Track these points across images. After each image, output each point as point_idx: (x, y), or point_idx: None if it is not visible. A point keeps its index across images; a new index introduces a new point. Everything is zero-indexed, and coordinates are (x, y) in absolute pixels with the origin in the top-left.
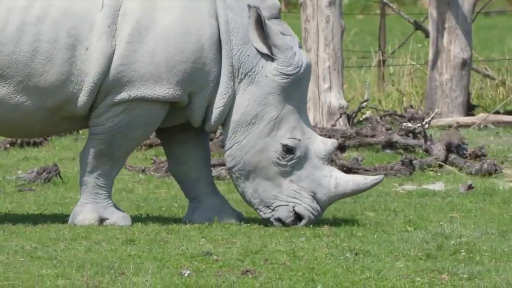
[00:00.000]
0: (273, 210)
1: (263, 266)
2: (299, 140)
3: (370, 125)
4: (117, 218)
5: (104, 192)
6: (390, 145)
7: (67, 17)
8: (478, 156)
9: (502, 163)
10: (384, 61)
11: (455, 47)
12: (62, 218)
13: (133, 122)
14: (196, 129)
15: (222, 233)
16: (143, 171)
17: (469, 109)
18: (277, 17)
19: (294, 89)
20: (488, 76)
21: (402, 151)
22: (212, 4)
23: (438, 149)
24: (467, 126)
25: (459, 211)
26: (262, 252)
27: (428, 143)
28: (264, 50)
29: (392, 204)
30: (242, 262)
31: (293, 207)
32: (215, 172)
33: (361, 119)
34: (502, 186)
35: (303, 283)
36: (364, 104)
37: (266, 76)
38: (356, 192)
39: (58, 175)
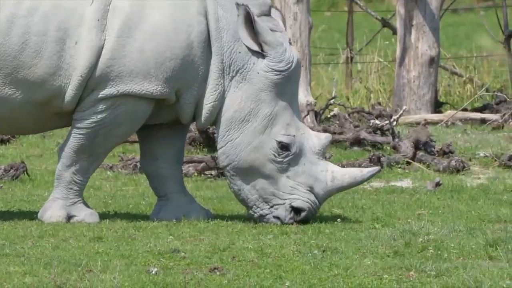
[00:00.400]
0: (271, 207)
1: (230, 263)
2: (294, 136)
3: (337, 122)
4: (84, 215)
5: (77, 188)
6: (358, 142)
7: (57, 10)
8: (445, 153)
9: (470, 160)
10: (351, 58)
11: (422, 44)
12: (30, 215)
13: (117, 119)
14: (175, 127)
15: (189, 230)
16: (111, 168)
17: (437, 106)
18: (267, 14)
19: (286, 85)
20: (455, 73)
21: (370, 148)
22: (202, 2)
23: (406, 146)
24: (434, 123)
25: (427, 208)
26: (230, 249)
27: (396, 140)
28: (254, 47)
29: (359, 202)
30: (210, 259)
31: (290, 204)
32: (183, 169)
33: (328, 116)
34: (470, 183)
35: (270, 280)
36: (331, 101)
37: (258, 73)
38: (353, 185)
39: (25, 172)
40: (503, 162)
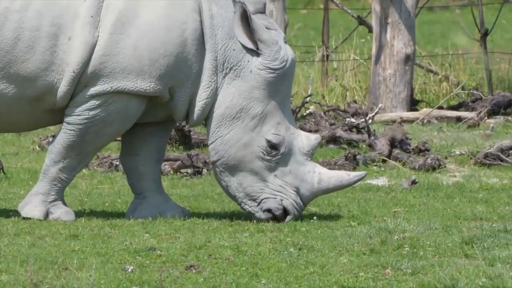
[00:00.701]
0: (260, 202)
1: (207, 261)
2: (283, 136)
3: (313, 120)
4: (60, 213)
5: (61, 186)
6: (333, 140)
7: (51, 6)
8: (421, 151)
9: (446, 158)
10: (327, 56)
11: (398, 42)
12: (6, 213)
13: (109, 117)
14: (160, 125)
15: (165, 228)
16: (86, 166)
17: (413, 104)
18: (262, 12)
19: (280, 84)
20: (431, 71)
21: (345, 146)
22: (196, 0)
23: (382, 144)
24: (410, 121)
25: (403, 206)
26: (206, 247)
27: (372, 138)
28: (250, 45)
29: (335, 199)
30: (186, 257)
31: (281, 200)
32: None
33: (304, 114)
34: (446, 181)
35: (247, 278)
36: (307, 99)
37: (252, 70)
38: (339, 188)
39: (1, 170)
40: (478, 160)
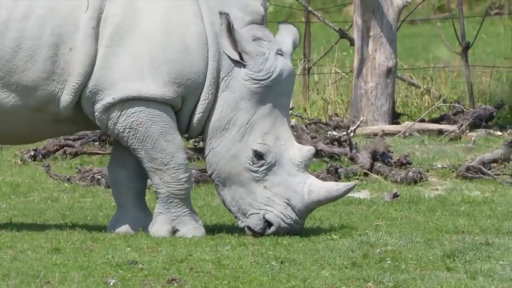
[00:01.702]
0: (248, 217)
1: (188, 275)
2: (270, 146)
3: (295, 133)
4: (187, 230)
5: (179, 200)
6: (315, 153)
7: (52, 15)
8: (403, 164)
9: (427, 171)
10: (309, 69)
11: (380, 55)
12: None
13: (140, 119)
14: None
15: (147, 241)
16: (68, 180)
17: (394, 117)
18: (259, 22)
19: (267, 95)
20: (413, 84)
21: (327, 159)
22: (196, 6)
23: (364, 157)
24: (392, 134)
25: (385, 219)
26: (188, 260)
27: (354, 151)
28: (235, 56)
29: (317, 213)
30: (168, 271)
31: (264, 214)
32: None
33: None
34: (427, 194)
35: None
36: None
37: (238, 81)
38: (329, 199)
39: None
40: (460, 173)
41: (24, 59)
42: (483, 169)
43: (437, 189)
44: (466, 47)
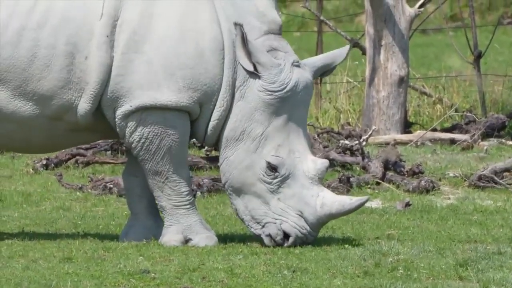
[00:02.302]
0: (263, 226)
1: (200, 284)
2: (283, 158)
3: None
4: (200, 238)
5: (185, 211)
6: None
7: (67, 24)
8: (415, 173)
9: (440, 180)
10: (321, 79)
11: (392, 65)
12: (0, 236)
13: (154, 132)
14: None
15: (159, 250)
16: (80, 188)
17: (406, 127)
18: (276, 33)
19: (281, 106)
20: (425, 93)
21: (339, 169)
22: (213, 11)
23: (376, 167)
24: (404, 143)
25: (397, 229)
26: (200, 269)
27: (366, 160)
28: (250, 67)
29: (330, 222)
30: (180, 280)
31: (280, 224)
32: None
33: None
34: (440, 203)
35: None
36: None
37: (253, 92)
38: (342, 213)
39: None
40: (472, 182)
41: (39, 68)
42: (495, 178)
43: (449, 198)
44: (478, 56)
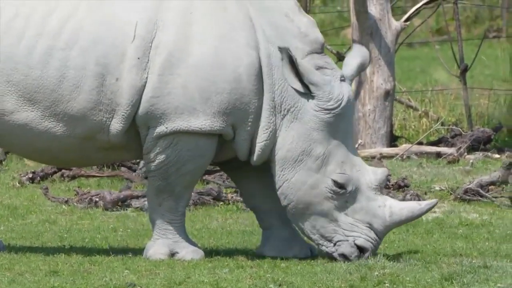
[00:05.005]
0: (335, 244)
1: None
2: (349, 174)
3: None
4: (186, 252)
5: (174, 227)
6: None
7: (96, 45)
8: (401, 187)
9: (425, 193)
10: None
11: (378, 78)
12: None
13: (181, 157)
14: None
15: (145, 264)
16: (66, 202)
17: (392, 140)
18: (319, 51)
19: (338, 123)
20: (411, 107)
21: None
22: (252, 35)
23: None
24: (390, 157)
25: (382, 242)
26: (186, 283)
27: None
28: (301, 89)
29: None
30: None
31: (354, 241)
32: (138, 203)
33: None
34: (425, 217)
35: None
36: None
37: (308, 112)
38: (411, 219)
39: None
40: (458, 196)
41: (69, 89)
42: (481, 191)
43: (435, 212)
44: (464, 70)
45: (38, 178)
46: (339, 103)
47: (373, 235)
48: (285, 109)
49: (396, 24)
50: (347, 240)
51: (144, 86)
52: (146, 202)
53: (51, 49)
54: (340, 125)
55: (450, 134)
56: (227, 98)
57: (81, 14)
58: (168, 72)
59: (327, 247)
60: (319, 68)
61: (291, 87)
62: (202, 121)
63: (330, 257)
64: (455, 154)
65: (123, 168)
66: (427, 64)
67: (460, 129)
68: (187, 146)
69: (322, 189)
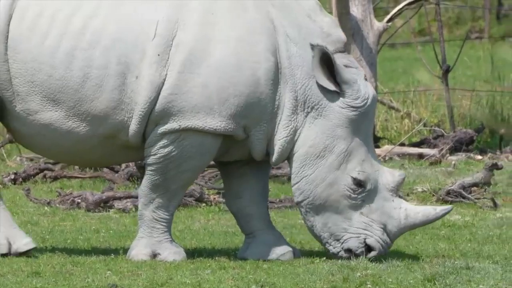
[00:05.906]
0: (343, 242)
1: None
2: (369, 173)
3: None
4: (168, 253)
5: (161, 226)
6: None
7: (118, 44)
8: None
9: (408, 195)
10: None
11: None
12: None
13: (184, 153)
14: (256, 164)
15: (127, 265)
16: (48, 203)
17: (374, 141)
18: (342, 51)
19: (362, 122)
20: (393, 108)
21: None
22: (271, 39)
23: None
24: None
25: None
26: (168, 284)
27: None
28: (331, 87)
29: (297, 237)
30: None
31: (364, 239)
32: (120, 204)
33: None
34: None
35: None
36: None
37: (333, 109)
38: (425, 223)
39: None
40: (440, 197)
41: (92, 89)
42: (463, 193)
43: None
44: (447, 71)
45: (20, 179)
46: (365, 101)
47: (385, 237)
48: (308, 106)
49: (378, 25)
50: (358, 237)
51: (163, 83)
52: (128, 203)
53: (74, 49)
54: (363, 124)
55: (433, 135)
56: (244, 101)
57: (103, 14)
58: (188, 71)
59: (334, 247)
60: (345, 67)
61: (319, 84)
62: (218, 122)
63: (335, 257)
64: (438, 155)
65: (105, 169)
66: (409, 65)
67: (442, 130)
68: (193, 143)
69: (340, 186)
